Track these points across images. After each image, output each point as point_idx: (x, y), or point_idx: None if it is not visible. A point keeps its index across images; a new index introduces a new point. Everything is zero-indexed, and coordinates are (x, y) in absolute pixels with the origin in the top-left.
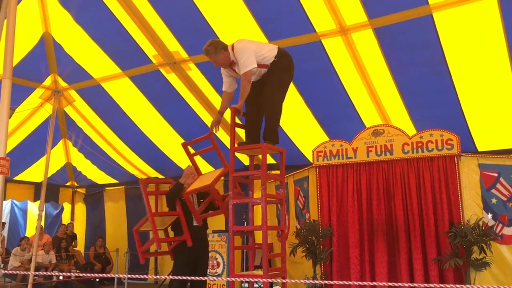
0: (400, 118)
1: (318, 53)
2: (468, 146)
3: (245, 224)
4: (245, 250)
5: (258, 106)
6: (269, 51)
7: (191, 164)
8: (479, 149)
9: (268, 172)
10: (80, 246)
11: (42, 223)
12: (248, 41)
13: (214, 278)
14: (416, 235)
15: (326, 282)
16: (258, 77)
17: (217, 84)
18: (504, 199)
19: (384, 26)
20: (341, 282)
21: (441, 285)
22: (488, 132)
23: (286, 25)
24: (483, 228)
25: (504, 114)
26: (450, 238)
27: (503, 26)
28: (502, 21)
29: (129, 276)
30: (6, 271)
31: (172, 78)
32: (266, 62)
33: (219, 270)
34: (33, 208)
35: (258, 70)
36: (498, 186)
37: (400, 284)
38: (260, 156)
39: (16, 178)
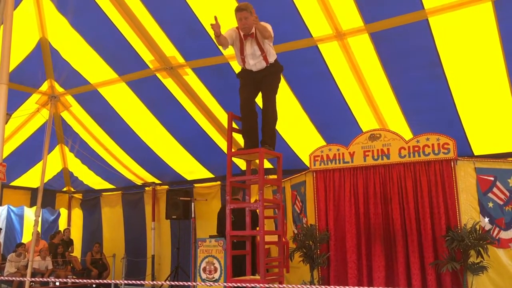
0: (397, 122)
1: (314, 58)
2: (465, 150)
3: None
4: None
5: (255, 109)
6: (274, 51)
7: None
8: (476, 153)
9: (265, 176)
10: (77, 251)
11: (39, 229)
12: None
13: (211, 283)
14: (413, 239)
15: (323, 287)
16: (256, 68)
17: (214, 89)
18: (501, 203)
19: (380, 30)
20: (338, 287)
21: None
22: (484, 136)
23: (283, 30)
24: (480, 232)
25: (500, 118)
26: (447, 242)
27: (498, 31)
28: (497, 26)
29: (126, 281)
30: (2, 277)
31: (169, 83)
32: (269, 58)
33: (216, 275)
34: (30, 214)
35: (259, 60)
36: (495, 190)
37: None
38: (257, 161)
39: (13, 183)
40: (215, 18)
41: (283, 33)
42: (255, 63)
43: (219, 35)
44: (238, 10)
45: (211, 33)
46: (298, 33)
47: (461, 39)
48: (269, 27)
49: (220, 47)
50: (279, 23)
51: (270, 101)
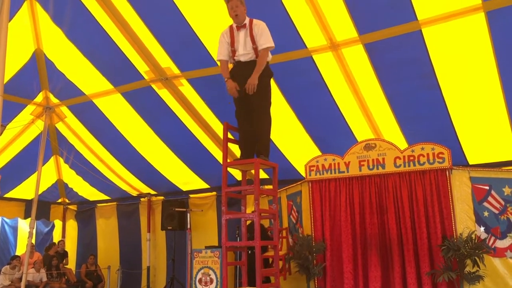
0: (392, 132)
1: (309, 68)
2: (459, 159)
3: (238, 240)
4: (238, 266)
5: (250, 120)
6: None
7: None
8: (470, 162)
9: (260, 187)
10: (72, 263)
11: (33, 241)
12: None
13: None
14: (409, 249)
15: None
16: (244, 59)
17: (209, 100)
18: (496, 212)
19: (374, 41)
20: None
21: None
22: (478, 145)
23: (277, 41)
24: (476, 241)
25: (494, 127)
26: (443, 252)
27: (491, 41)
28: (490, 36)
29: None
30: None
31: (164, 94)
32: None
33: (212, 286)
34: (24, 226)
35: (249, 52)
36: (490, 199)
37: None
38: (253, 171)
39: (7, 195)
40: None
41: (278, 44)
42: (245, 54)
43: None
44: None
45: (206, 44)
46: (292, 44)
47: (455, 49)
48: (263, 30)
49: (216, 55)
50: (274, 34)
51: (261, 108)
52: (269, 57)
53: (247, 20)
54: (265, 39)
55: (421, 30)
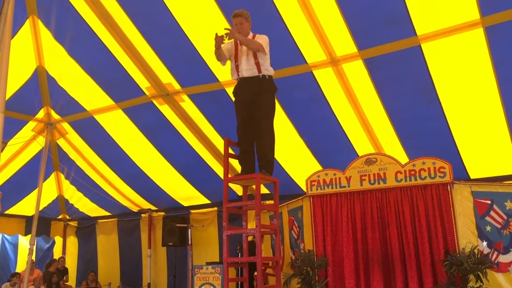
0: (392, 146)
1: (309, 83)
2: (461, 173)
3: (239, 256)
4: (240, 282)
5: (251, 135)
6: (270, 67)
7: None
8: (472, 177)
9: (261, 202)
10: (72, 280)
11: (33, 258)
12: None
13: None
14: (412, 264)
15: None
16: (247, 74)
17: (210, 115)
18: (499, 226)
19: (374, 57)
20: None
21: None
22: (480, 160)
23: (278, 57)
24: (479, 256)
25: (495, 141)
26: (446, 267)
27: (490, 56)
28: (489, 51)
29: None
30: None
31: (165, 109)
32: (262, 68)
33: None
34: (24, 242)
35: (252, 67)
36: (492, 213)
37: None
38: (254, 186)
39: (7, 212)
40: (222, 35)
41: (278, 60)
42: (247, 69)
43: (219, 47)
44: (233, 16)
45: (207, 60)
46: (293, 59)
47: (454, 64)
48: (263, 39)
49: (216, 71)
50: (274, 50)
51: (264, 124)
52: (271, 72)
53: (250, 35)
54: (261, 41)
55: (420, 46)
